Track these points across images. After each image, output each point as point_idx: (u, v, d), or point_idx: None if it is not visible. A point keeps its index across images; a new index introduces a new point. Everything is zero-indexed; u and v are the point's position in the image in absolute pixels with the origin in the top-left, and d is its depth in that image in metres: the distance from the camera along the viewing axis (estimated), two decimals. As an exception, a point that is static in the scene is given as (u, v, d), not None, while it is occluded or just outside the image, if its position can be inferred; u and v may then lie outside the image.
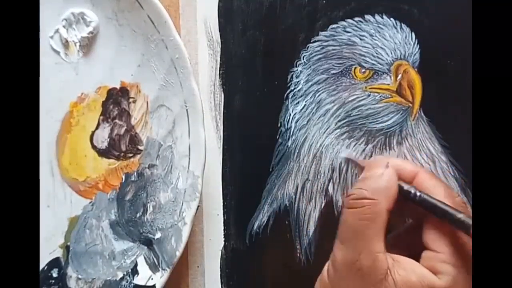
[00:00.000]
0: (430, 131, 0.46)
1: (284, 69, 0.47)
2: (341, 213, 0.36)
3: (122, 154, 0.47)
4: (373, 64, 0.45)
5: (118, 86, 0.47)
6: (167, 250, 0.45)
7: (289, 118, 0.47)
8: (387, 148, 0.46)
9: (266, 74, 0.47)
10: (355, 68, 0.46)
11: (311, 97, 0.47)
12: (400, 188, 0.36)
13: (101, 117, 0.47)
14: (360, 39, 0.46)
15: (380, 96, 0.45)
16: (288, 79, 0.47)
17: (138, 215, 0.47)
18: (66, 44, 0.47)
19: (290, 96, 0.47)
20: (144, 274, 0.46)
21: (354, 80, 0.46)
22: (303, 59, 0.47)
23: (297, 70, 0.47)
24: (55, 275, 0.47)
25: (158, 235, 0.46)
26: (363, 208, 0.34)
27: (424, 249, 0.35)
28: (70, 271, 0.47)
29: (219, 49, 0.48)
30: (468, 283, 0.33)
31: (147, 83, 0.47)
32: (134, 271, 0.46)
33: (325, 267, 0.36)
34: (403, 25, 0.45)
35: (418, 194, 0.35)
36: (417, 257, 0.35)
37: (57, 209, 0.47)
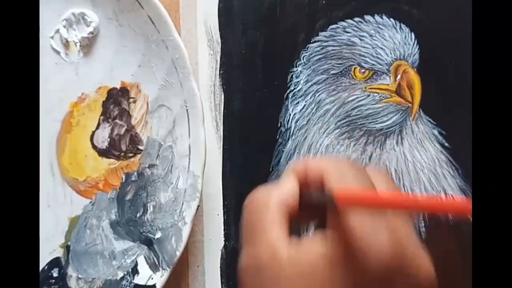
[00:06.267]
0: (430, 131, 0.46)
1: (284, 69, 0.47)
2: None
3: (122, 154, 0.47)
4: (373, 64, 0.45)
5: (118, 86, 0.47)
6: (167, 250, 0.45)
7: (289, 118, 0.47)
8: (387, 148, 0.46)
9: (266, 74, 0.47)
10: (354, 68, 0.46)
11: (311, 97, 0.47)
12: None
13: (102, 117, 0.47)
14: (360, 39, 0.46)
15: (380, 96, 0.45)
16: (288, 79, 0.47)
17: (138, 215, 0.47)
18: (66, 44, 0.47)
19: (290, 96, 0.47)
20: (144, 273, 0.46)
21: (353, 80, 0.46)
22: (303, 59, 0.47)
23: (297, 70, 0.47)
24: (55, 275, 0.47)
25: (158, 234, 0.46)
26: None
27: None
28: (70, 271, 0.47)
29: (219, 49, 0.48)
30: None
31: (147, 83, 0.47)
32: (134, 271, 0.46)
33: None
34: (402, 25, 0.45)
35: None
36: None
37: (57, 209, 0.47)
